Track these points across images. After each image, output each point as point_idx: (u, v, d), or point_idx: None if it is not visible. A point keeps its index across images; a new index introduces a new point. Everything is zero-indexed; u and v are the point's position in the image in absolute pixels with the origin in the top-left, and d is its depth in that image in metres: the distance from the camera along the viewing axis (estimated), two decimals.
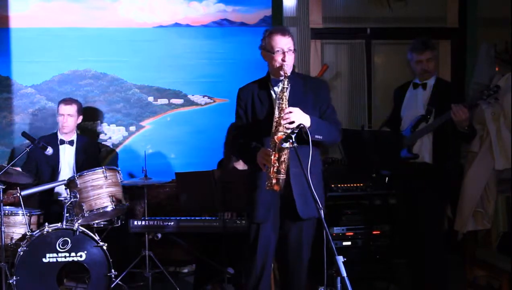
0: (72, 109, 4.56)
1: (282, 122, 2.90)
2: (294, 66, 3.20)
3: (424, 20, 5.61)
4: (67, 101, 4.59)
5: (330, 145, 4.56)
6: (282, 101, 2.95)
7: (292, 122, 2.90)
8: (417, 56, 3.91)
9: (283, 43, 3.08)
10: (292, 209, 3.09)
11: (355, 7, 5.59)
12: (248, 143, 3.12)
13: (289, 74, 3.03)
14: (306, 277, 3.22)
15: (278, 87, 3.07)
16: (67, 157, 4.58)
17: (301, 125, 2.80)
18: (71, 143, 4.60)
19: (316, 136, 2.94)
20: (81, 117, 4.67)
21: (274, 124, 2.94)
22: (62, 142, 4.58)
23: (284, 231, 3.18)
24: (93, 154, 4.70)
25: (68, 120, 4.54)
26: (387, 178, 4.09)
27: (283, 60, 3.06)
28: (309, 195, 3.06)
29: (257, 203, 3.12)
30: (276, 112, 2.96)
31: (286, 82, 2.96)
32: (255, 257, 3.15)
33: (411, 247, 4.02)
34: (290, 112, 2.91)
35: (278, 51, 3.07)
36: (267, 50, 3.12)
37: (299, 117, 2.92)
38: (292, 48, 3.10)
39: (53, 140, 4.56)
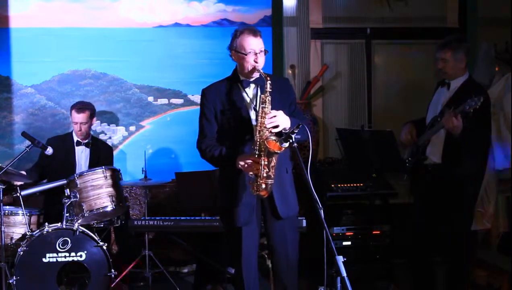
0: (84, 116, 4.45)
1: (268, 126, 2.86)
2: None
3: (424, 20, 5.60)
4: (80, 108, 4.46)
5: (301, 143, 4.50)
6: (266, 104, 2.89)
7: (277, 126, 2.87)
8: (436, 53, 3.72)
9: (255, 44, 2.99)
10: (272, 209, 3.06)
11: (355, 7, 5.58)
12: (221, 147, 3.04)
13: (258, 75, 3.00)
14: (298, 275, 3.18)
15: (250, 88, 3.05)
16: (83, 158, 4.55)
17: (291, 129, 2.76)
18: (87, 145, 4.55)
19: (296, 136, 2.88)
20: (94, 120, 4.60)
21: (258, 128, 2.88)
22: (79, 143, 4.53)
23: (267, 232, 3.13)
24: (106, 157, 4.64)
25: (82, 128, 4.47)
26: (405, 176, 3.98)
27: (255, 62, 2.99)
28: (288, 195, 3.08)
29: (238, 206, 3.02)
30: (259, 116, 2.89)
31: (269, 86, 2.90)
32: (240, 263, 3.08)
33: (422, 249, 3.83)
34: (275, 116, 2.87)
35: (250, 52, 2.99)
36: (238, 51, 3.02)
37: (283, 121, 2.90)
38: (263, 49, 3.02)
39: (69, 141, 4.54)
